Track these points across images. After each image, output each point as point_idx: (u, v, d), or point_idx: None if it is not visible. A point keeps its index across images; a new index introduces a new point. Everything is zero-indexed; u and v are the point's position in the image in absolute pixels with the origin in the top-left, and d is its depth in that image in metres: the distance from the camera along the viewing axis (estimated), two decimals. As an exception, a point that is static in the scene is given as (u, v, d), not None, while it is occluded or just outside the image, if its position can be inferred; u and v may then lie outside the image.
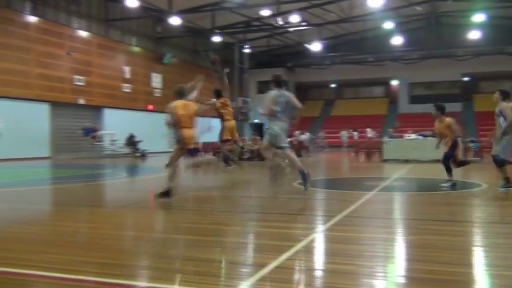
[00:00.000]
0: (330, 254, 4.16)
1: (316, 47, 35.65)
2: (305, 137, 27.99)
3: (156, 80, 32.32)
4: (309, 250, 4.25)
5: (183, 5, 28.11)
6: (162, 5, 27.53)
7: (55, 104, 24.06)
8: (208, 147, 22.43)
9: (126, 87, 29.33)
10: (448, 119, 8.72)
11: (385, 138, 19.85)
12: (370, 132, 32.15)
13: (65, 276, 3.32)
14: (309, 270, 3.64)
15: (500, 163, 7.90)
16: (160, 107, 32.52)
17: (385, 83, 44.00)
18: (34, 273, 3.42)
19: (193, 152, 8.20)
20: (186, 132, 7.23)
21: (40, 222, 6.09)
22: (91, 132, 25.02)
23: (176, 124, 7.21)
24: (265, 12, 30.71)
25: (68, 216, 6.44)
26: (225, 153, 10.93)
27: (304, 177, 7.49)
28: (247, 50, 37.81)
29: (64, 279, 3.27)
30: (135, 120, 28.40)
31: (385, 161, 17.57)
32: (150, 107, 31.04)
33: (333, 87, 45.77)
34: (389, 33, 33.98)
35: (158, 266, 3.73)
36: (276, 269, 3.48)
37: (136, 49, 30.79)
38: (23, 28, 22.62)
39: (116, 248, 4.43)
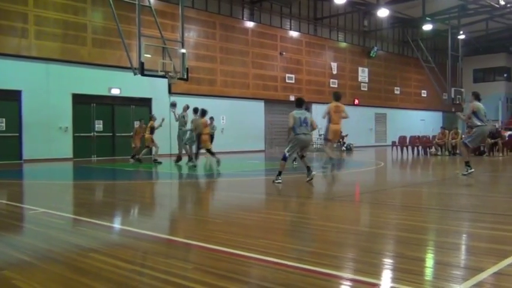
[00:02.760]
0: None
1: (548, 26, 30.85)
2: None
3: (363, 74, 32.20)
4: (537, 258, 3.74)
5: (391, -5, 27.36)
6: (369, -2, 27.27)
7: (268, 101, 25.98)
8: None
9: (333, 83, 29.92)
10: None
11: None
12: None
13: (278, 261, 3.58)
14: (538, 281, 3.20)
15: None
16: (366, 101, 32.41)
17: None
18: (252, 256, 3.76)
19: None
20: None
21: (256, 210, 6.68)
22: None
23: None
24: (484, -7, 27.82)
25: (279, 206, 6.93)
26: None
27: None
28: (461, 36, 34.78)
29: (277, 263, 3.53)
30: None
31: None
32: (357, 101, 31.12)
33: None
34: None
35: (365, 259, 3.73)
36: (496, 275, 3.15)
37: (343, 44, 31.14)
38: (242, 33, 24.98)
39: (323, 238, 4.59)
